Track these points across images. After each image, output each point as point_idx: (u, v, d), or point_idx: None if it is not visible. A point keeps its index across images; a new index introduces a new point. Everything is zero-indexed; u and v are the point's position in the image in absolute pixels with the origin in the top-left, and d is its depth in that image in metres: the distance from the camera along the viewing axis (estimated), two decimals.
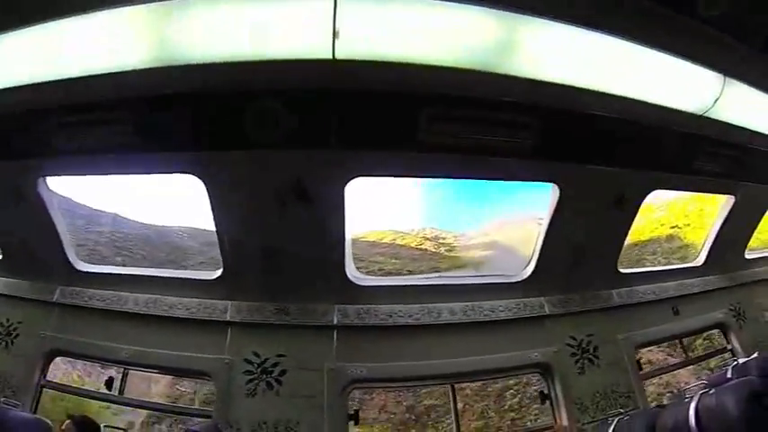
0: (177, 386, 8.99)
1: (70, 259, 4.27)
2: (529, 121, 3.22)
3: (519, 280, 4.27)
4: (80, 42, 2.82)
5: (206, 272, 4.16)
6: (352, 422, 3.85)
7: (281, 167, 3.33)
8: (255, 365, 3.77)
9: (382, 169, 3.54)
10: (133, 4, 2.56)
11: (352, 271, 3.88)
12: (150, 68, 2.74)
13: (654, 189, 4.19)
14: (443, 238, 18.91)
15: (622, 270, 4.67)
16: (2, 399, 3.87)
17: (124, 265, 4.82)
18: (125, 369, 4.05)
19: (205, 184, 3.48)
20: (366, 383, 3.97)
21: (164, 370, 4.08)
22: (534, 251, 4.19)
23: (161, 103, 3.02)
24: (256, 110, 2.98)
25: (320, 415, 3.65)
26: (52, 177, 3.96)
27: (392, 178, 3.80)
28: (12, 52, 2.94)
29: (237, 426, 3.64)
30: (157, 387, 8.73)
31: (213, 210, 3.62)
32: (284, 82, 2.83)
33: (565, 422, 3.97)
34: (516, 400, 12.02)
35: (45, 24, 2.72)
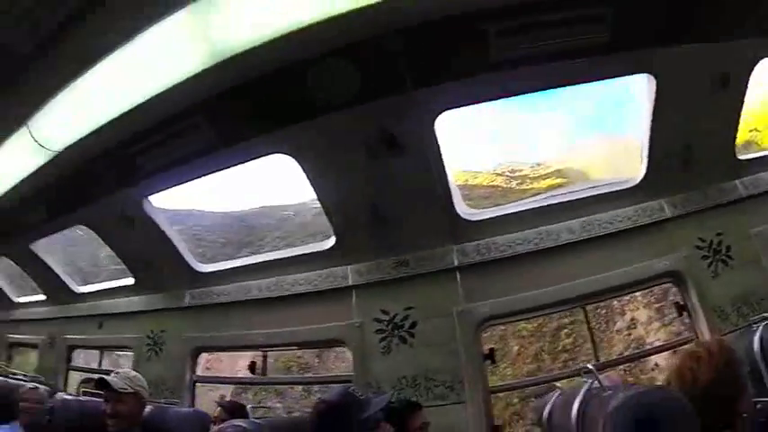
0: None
1: (191, 264, 4.57)
2: (602, 12, 2.91)
3: (632, 186, 3.92)
4: (136, 68, 3.00)
5: (318, 243, 4.23)
6: (488, 361, 3.82)
7: (365, 123, 3.30)
8: (386, 323, 3.81)
9: (463, 97, 3.40)
10: (167, 16, 2.66)
11: (462, 208, 3.77)
12: (208, 68, 2.84)
13: (761, 59, 3.76)
14: (518, 171, 18.50)
15: (741, 157, 4.11)
16: (162, 399, 4.22)
17: (232, 258, 5.07)
18: (264, 352, 4.28)
19: (296, 159, 3.53)
20: (496, 319, 3.89)
21: (299, 345, 4.25)
22: (642, 152, 3.81)
23: (229, 95, 3.11)
24: (323, 73, 2.96)
25: (457, 359, 3.65)
26: (153, 196, 4.25)
27: (474, 105, 3.62)
28: (84, 97, 3.20)
29: (378, 385, 3.70)
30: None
31: (311, 181, 3.67)
32: (343, 38, 2.77)
33: (706, 333, 3.57)
34: (570, 340, 11.62)
35: (101, 64, 2.96)
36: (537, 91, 3.69)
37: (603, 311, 11.68)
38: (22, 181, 4.51)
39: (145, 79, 3.09)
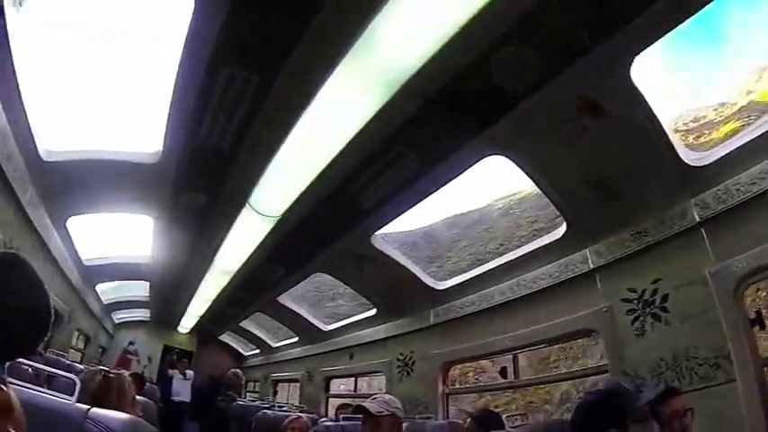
0: None
1: (429, 284, 4.83)
2: None
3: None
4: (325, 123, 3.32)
5: (550, 235, 3.99)
6: (756, 327, 3.03)
7: (561, 98, 3.09)
8: (635, 301, 3.38)
9: (654, 30, 2.90)
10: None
11: (688, 155, 3.16)
12: (395, 95, 2.91)
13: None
14: (702, 118, 15.65)
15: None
16: (417, 415, 4.43)
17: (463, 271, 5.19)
18: (513, 354, 4.20)
19: (508, 156, 3.40)
20: (758, 275, 3.08)
21: (552, 341, 4.02)
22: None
23: (423, 112, 3.13)
24: (504, 60, 2.84)
25: (719, 330, 2.99)
26: (377, 232, 4.64)
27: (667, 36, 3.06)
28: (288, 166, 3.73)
29: (635, 372, 3.29)
30: None
31: (531, 176, 3.53)
32: (506, 22, 2.58)
33: None
34: None
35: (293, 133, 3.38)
36: None
37: None
38: (259, 246, 5.32)
39: (338, 128, 3.34)
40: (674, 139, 3.14)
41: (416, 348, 5.12)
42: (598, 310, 3.48)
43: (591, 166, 3.18)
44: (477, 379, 11.20)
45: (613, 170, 3.20)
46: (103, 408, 1.32)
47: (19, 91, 3.08)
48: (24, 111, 3.25)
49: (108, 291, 9.44)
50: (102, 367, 2.46)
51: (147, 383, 5.61)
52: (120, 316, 11.99)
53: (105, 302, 9.88)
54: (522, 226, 16.94)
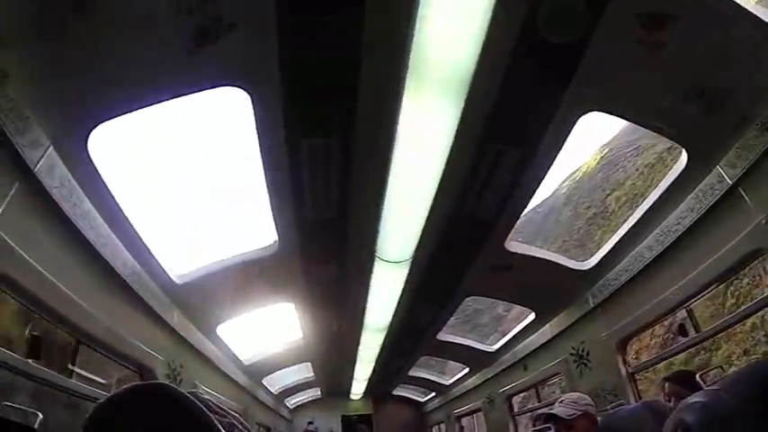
0: None
1: (577, 268, 4.71)
2: None
3: None
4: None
5: (672, 171, 3.47)
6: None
7: (622, 25, 2.78)
8: None
9: None
10: None
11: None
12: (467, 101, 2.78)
13: None
14: None
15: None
16: (608, 406, 4.19)
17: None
18: (686, 308, 3.78)
19: (600, 110, 3.10)
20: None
21: (723, 277, 3.43)
22: None
23: (506, 103, 2.99)
24: (552, 18, 2.55)
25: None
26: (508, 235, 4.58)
27: None
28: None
29: None
30: None
31: (632, 119, 3.31)
32: None
33: None
34: None
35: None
36: None
37: None
38: (402, 292, 5.45)
39: (429, 154, 3.30)
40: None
41: (585, 337, 4.85)
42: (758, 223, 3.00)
43: (685, 79, 2.82)
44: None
45: (709, 73, 2.85)
46: None
47: (140, 236, 3.38)
48: (149, 250, 3.55)
49: (275, 380, 10.02)
50: None
51: None
52: (294, 401, 12.79)
53: (276, 392, 10.56)
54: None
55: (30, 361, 2.67)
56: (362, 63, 2.66)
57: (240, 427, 0.98)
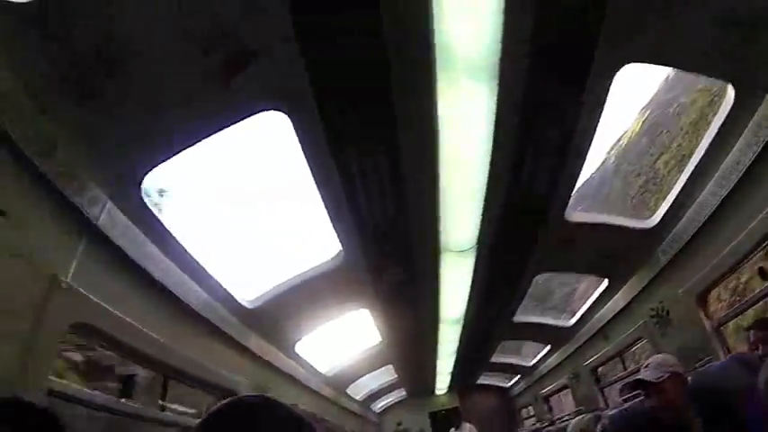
0: None
1: (641, 227, 4.65)
2: None
3: None
4: None
5: (718, 116, 3.33)
6: None
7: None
8: None
9: None
10: None
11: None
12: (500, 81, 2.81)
13: None
14: None
15: None
16: (696, 363, 4.13)
17: None
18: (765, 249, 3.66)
19: (639, 60, 2.95)
20: None
21: None
22: None
23: (540, 76, 2.92)
24: None
25: None
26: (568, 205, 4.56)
27: None
28: None
29: None
30: None
31: (673, 64, 3.36)
32: None
33: None
34: None
35: None
36: None
37: None
38: (473, 281, 5.62)
39: (476, 137, 3.37)
40: None
41: (663, 296, 4.71)
42: None
43: (716, 7, 2.59)
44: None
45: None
46: None
47: (205, 269, 3.54)
48: (217, 281, 3.71)
49: (360, 387, 10.25)
50: None
51: None
52: (380, 404, 13.01)
53: (360, 399, 10.84)
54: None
55: (123, 400, 2.97)
56: (391, 63, 2.61)
57: None
